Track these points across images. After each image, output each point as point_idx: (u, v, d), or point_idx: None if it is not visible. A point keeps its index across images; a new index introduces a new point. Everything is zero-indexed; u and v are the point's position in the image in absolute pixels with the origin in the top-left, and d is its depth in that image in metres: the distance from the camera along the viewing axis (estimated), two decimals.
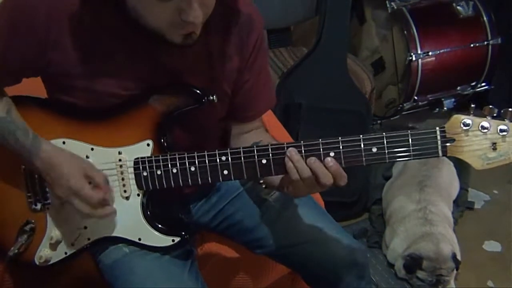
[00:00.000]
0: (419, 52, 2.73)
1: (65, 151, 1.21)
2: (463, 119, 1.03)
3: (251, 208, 1.43)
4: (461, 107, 2.93)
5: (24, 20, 1.12)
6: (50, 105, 1.26)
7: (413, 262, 2.12)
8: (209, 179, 1.16)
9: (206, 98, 1.18)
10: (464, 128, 1.03)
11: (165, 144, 1.20)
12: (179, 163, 1.16)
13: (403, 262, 2.17)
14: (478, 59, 2.86)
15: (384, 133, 1.06)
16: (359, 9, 3.04)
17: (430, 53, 2.74)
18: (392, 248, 2.27)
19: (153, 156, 1.18)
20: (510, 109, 1.01)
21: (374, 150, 1.07)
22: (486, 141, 1.03)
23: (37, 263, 1.28)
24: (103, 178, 1.19)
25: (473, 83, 2.95)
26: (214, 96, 1.19)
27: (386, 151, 1.07)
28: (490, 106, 1.02)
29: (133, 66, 1.18)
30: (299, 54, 2.65)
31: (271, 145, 1.12)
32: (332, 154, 1.08)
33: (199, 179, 1.16)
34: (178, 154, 1.16)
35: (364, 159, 1.08)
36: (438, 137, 1.05)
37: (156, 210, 1.24)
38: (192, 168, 1.16)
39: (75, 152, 1.21)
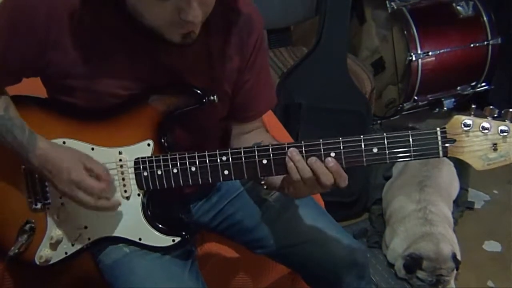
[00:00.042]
0: (419, 52, 2.73)
1: (62, 146, 1.21)
2: (463, 120, 1.03)
3: (251, 208, 1.43)
4: (461, 107, 2.93)
5: (24, 20, 1.12)
6: (51, 105, 1.26)
7: (413, 262, 2.12)
8: (210, 179, 1.16)
9: (206, 98, 1.18)
10: (465, 128, 1.03)
11: (166, 144, 1.20)
12: (179, 163, 1.16)
13: (403, 262, 2.17)
14: (478, 59, 2.86)
15: (385, 134, 1.06)
16: (359, 9, 3.04)
17: (430, 53, 2.74)
18: (392, 248, 2.27)
19: (153, 156, 1.18)
20: (510, 110, 1.02)
21: (375, 150, 1.07)
22: (486, 142, 1.03)
23: (38, 263, 1.28)
24: (103, 168, 1.19)
25: (473, 83, 2.95)
26: (215, 96, 1.19)
27: (387, 152, 1.07)
28: (491, 107, 1.02)
29: (133, 66, 1.18)
30: (299, 54, 2.65)
31: (272, 145, 1.12)
32: (332, 154, 1.08)
33: (200, 179, 1.16)
34: (179, 154, 1.16)
35: (364, 159, 1.08)
36: (439, 138, 1.05)
37: (157, 210, 1.24)
38: (193, 168, 1.16)
39: None
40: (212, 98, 1.19)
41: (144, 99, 1.20)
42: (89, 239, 1.26)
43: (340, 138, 1.08)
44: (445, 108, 2.95)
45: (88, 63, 1.16)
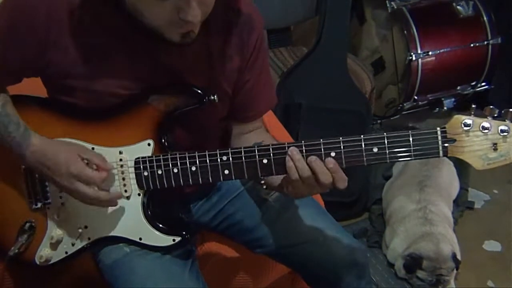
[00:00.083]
0: (419, 52, 2.73)
1: (56, 141, 1.21)
2: (463, 120, 1.03)
3: (251, 208, 1.43)
4: (461, 107, 2.94)
5: (24, 20, 1.12)
6: (51, 104, 1.26)
7: (413, 262, 2.12)
8: (210, 178, 1.16)
9: (207, 98, 1.18)
10: (465, 128, 1.03)
11: (166, 144, 1.20)
12: (180, 162, 1.16)
13: (403, 262, 2.17)
14: (478, 59, 2.86)
15: (385, 133, 1.06)
16: (359, 9, 3.05)
17: (430, 53, 2.74)
18: (392, 248, 2.27)
19: (154, 156, 1.18)
20: (510, 110, 1.02)
21: (375, 150, 1.07)
22: (486, 142, 1.03)
23: (38, 262, 1.28)
24: (100, 157, 1.19)
25: (473, 83, 2.95)
26: (215, 96, 1.19)
27: (387, 151, 1.07)
28: (491, 107, 1.02)
29: (133, 66, 1.18)
30: (299, 54, 2.65)
31: (272, 145, 1.12)
32: (333, 154, 1.08)
33: (200, 179, 1.16)
34: (179, 154, 1.16)
35: (365, 159, 1.08)
36: (439, 138, 1.05)
37: (157, 209, 1.24)
38: (193, 168, 1.16)
39: None
40: (212, 97, 1.19)
41: (144, 99, 1.20)
42: (89, 238, 1.26)
43: (341, 138, 1.08)
44: (445, 108, 2.95)
45: (88, 63, 1.16)
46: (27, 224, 1.29)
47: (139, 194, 1.22)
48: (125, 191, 1.21)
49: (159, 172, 1.18)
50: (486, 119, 1.03)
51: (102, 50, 1.16)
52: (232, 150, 1.14)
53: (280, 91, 2.33)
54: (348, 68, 2.39)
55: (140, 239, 1.24)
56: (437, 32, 2.81)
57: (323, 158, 1.09)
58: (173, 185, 1.18)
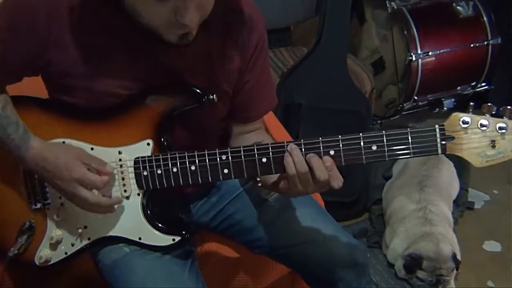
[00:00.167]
0: (419, 52, 2.73)
1: (57, 145, 1.21)
2: (462, 117, 1.03)
3: (251, 208, 1.43)
4: (461, 107, 2.90)
5: (24, 20, 1.12)
6: (50, 105, 1.26)
7: (413, 262, 2.12)
8: (210, 178, 1.16)
9: (206, 97, 1.18)
10: (463, 126, 1.03)
11: (165, 144, 1.20)
12: (179, 162, 1.16)
13: (403, 262, 2.17)
14: (478, 59, 2.86)
15: (383, 131, 1.07)
16: (359, 9, 3.05)
17: (430, 53, 2.74)
18: (392, 248, 2.26)
19: (153, 156, 1.18)
20: (508, 107, 1.02)
21: (374, 148, 1.07)
22: (485, 139, 1.03)
23: (37, 263, 1.28)
24: (100, 161, 1.19)
25: (473, 83, 2.95)
26: (214, 96, 1.19)
27: (386, 149, 1.07)
28: (489, 104, 1.02)
29: (133, 66, 1.18)
30: (299, 54, 2.65)
31: (272, 144, 1.12)
32: (332, 152, 1.09)
33: (200, 178, 1.16)
34: (178, 153, 1.16)
35: (364, 157, 1.08)
36: (438, 135, 1.05)
37: (156, 209, 1.24)
38: (193, 167, 1.16)
39: None
40: (211, 97, 1.19)
41: (143, 99, 1.20)
42: (89, 239, 1.26)
43: (339, 136, 1.08)
44: (445, 108, 2.95)
45: (88, 63, 1.16)
46: (27, 225, 1.28)
47: (138, 194, 1.21)
48: (125, 191, 1.21)
49: (159, 171, 1.18)
50: (484, 116, 1.03)
51: (102, 50, 1.16)
52: (231, 149, 1.14)
53: (280, 91, 2.34)
54: (348, 68, 2.40)
55: (140, 239, 1.23)
56: (437, 32, 2.81)
57: (322, 156, 1.09)
58: (173, 185, 1.18)
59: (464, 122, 1.03)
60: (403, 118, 3.03)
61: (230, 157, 1.14)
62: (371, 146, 1.07)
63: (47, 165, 1.17)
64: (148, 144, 1.19)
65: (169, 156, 1.17)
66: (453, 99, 2.95)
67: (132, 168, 1.20)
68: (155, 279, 1.22)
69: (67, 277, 1.43)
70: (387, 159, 1.07)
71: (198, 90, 1.18)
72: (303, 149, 1.09)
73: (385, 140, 1.06)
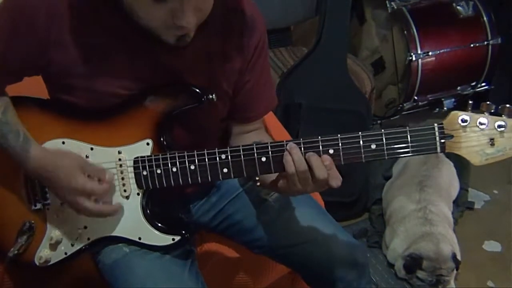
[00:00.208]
0: (419, 52, 2.73)
1: (58, 152, 1.20)
2: (461, 116, 1.03)
3: (251, 208, 1.43)
4: (461, 107, 2.91)
5: (25, 20, 1.12)
6: (50, 105, 1.26)
7: (413, 262, 2.12)
8: (209, 177, 1.16)
9: (205, 97, 1.18)
10: (462, 124, 1.03)
11: (165, 143, 1.20)
12: (179, 162, 1.16)
13: (403, 262, 2.17)
14: (478, 59, 2.86)
15: (383, 130, 1.07)
16: (359, 9, 3.05)
17: (430, 53, 2.74)
18: (392, 248, 2.26)
19: (152, 155, 1.18)
20: (507, 105, 1.02)
21: (373, 146, 1.07)
22: (484, 137, 1.03)
23: (37, 263, 1.28)
24: (100, 169, 1.19)
25: (473, 83, 2.95)
26: (214, 95, 1.19)
27: (385, 148, 1.07)
28: (488, 102, 1.03)
29: (133, 66, 1.18)
30: (299, 54, 2.65)
31: (271, 143, 1.12)
32: (331, 151, 1.09)
33: (199, 178, 1.16)
34: (178, 153, 1.16)
35: (363, 155, 1.08)
36: (437, 133, 1.05)
37: (156, 209, 1.23)
38: (192, 167, 1.16)
39: (75, 152, 1.20)
40: (210, 97, 1.19)
41: (143, 99, 1.20)
42: (88, 239, 1.26)
43: (339, 135, 1.08)
44: (445, 108, 2.95)
45: (88, 63, 1.16)
46: (27, 225, 1.28)
47: (138, 194, 1.21)
48: (124, 190, 1.21)
49: (158, 171, 1.18)
50: (483, 114, 1.03)
51: (102, 50, 1.16)
52: (231, 149, 1.14)
53: (280, 91, 2.34)
54: (348, 68, 2.40)
55: (140, 238, 1.23)
56: (437, 32, 2.81)
57: (321, 155, 1.09)
58: (172, 184, 1.18)
59: (463, 121, 1.03)
60: (403, 118, 3.02)
61: (229, 157, 1.14)
62: (370, 145, 1.07)
63: (47, 173, 1.17)
64: (148, 144, 1.19)
65: (168, 155, 1.17)
66: (453, 99, 2.95)
67: (132, 168, 1.20)
68: (155, 279, 1.22)
69: (67, 277, 1.43)
70: (386, 157, 1.07)
71: (197, 90, 1.18)
72: (302, 148, 1.09)
73: (384, 139, 1.07)
